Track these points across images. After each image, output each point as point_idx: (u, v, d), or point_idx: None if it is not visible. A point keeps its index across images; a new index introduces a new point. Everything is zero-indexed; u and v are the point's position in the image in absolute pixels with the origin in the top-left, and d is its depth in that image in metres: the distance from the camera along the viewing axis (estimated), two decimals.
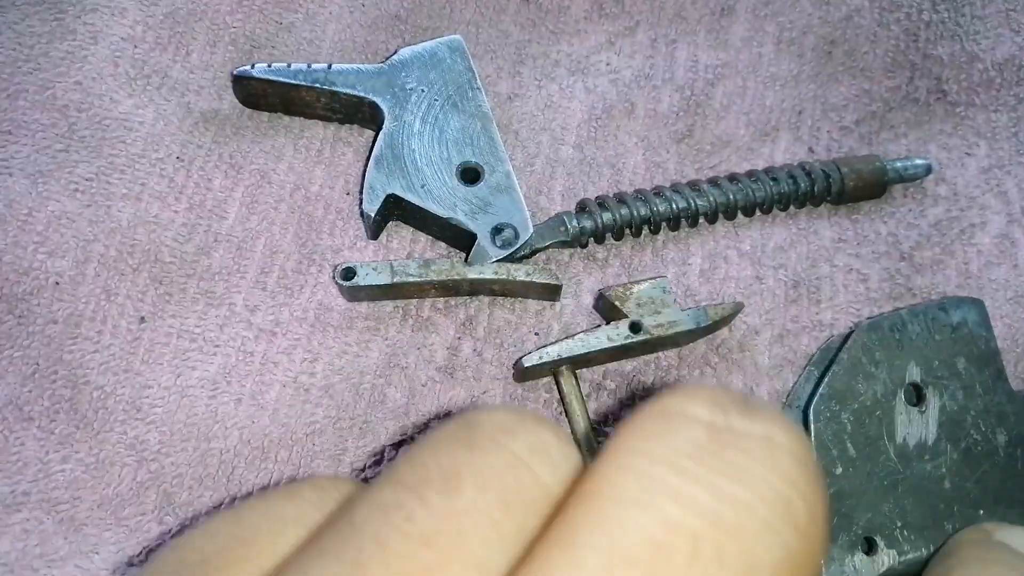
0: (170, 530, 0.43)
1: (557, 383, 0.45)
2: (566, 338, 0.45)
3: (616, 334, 0.44)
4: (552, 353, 0.44)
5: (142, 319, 0.46)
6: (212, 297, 0.47)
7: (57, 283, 0.46)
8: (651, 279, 0.46)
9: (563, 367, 0.45)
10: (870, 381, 0.41)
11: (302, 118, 0.52)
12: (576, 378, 0.45)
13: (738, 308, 0.45)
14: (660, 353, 0.47)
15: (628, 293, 0.45)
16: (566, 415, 0.45)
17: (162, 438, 0.44)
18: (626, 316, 0.45)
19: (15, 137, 0.50)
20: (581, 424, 0.43)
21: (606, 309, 0.46)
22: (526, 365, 0.44)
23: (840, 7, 0.57)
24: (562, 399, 0.45)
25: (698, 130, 0.54)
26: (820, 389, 0.41)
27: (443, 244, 0.49)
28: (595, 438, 0.43)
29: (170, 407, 0.45)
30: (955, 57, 0.56)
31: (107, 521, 0.43)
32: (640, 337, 0.44)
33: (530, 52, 0.56)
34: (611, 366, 0.47)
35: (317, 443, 0.44)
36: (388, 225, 0.50)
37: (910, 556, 0.39)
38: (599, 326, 0.45)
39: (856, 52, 0.56)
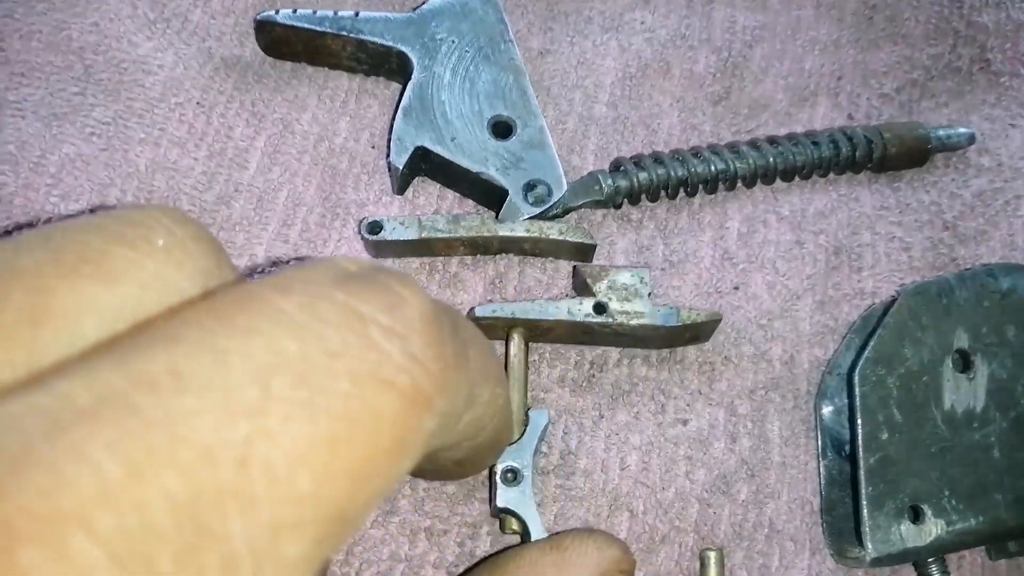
0: None
1: (506, 344, 0.44)
2: (528, 300, 0.44)
3: (578, 309, 0.43)
4: (507, 310, 0.43)
5: None
6: (232, 247, 0.46)
7: None
8: (632, 267, 0.45)
9: (517, 329, 0.44)
10: (917, 346, 0.41)
11: (326, 68, 0.51)
12: (526, 345, 0.44)
13: (715, 318, 0.44)
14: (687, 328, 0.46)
15: (604, 274, 0.44)
16: (505, 368, 0.44)
17: None
18: (594, 295, 0.44)
19: (28, 80, 0.49)
20: (516, 393, 0.43)
21: (578, 285, 0.46)
22: (477, 315, 0.43)
23: None
24: (505, 361, 0.44)
25: (735, 92, 0.53)
26: (866, 352, 0.40)
27: (471, 202, 0.49)
28: (525, 411, 0.42)
29: None
30: (1000, 25, 0.55)
31: None
32: (600, 319, 0.43)
33: (562, 8, 0.55)
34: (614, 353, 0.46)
35: None
36: (415, 180, 0.49)
37: (959, 526, 0.38)
38: (565, 298, 0.44)
39: (898, 18, 0.56)
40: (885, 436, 0.39)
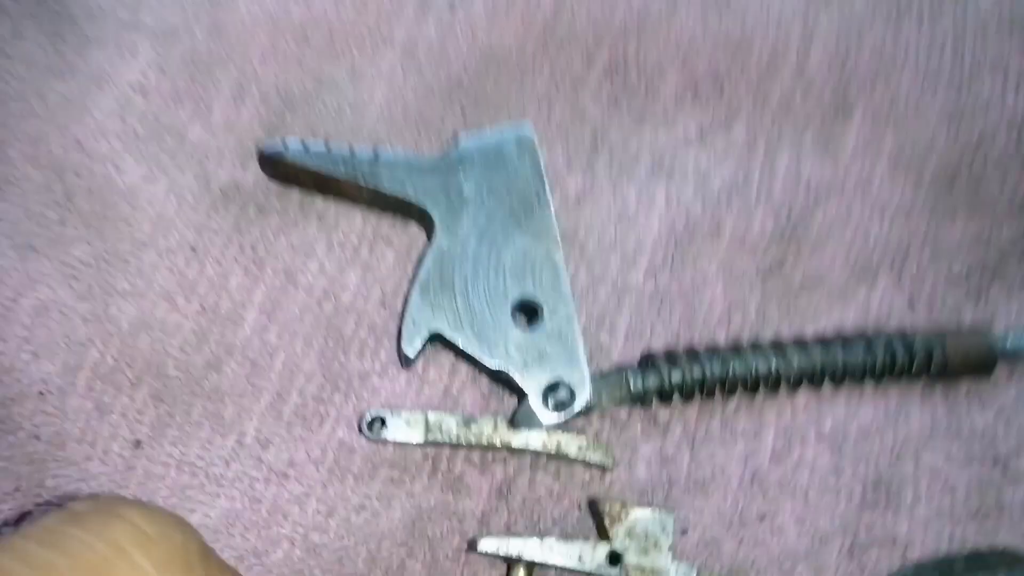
0: None
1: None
2: (537, 537, 0.41)
3: (590, 558, 0.40)
4: (512, 548, 0.40)
5: (138, 443, 0.42)
6: (220, 423, 0.43)
7: (41, 393, 0.42)
8: (657, 509, 0.41)
9: (520, 566, 0.41)
10: None
11: (338, 201, 0.46)
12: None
13: None
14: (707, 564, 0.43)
15: (624, 514, 0.41)
16: None
17: None
18: (609, 539, 0.40)
19: (4, 194, 0.44)
20: None
21: (595, 519, 0.42)
22: (480, 549, 0.40)
23: (972, 128, 0.51)
24: None
25: (789, 263, 0.48)
26: None
27: (486, 380, 0.45)
28: None
29: None
30: None
31: None
32: (613, 572, 0.40)
33: (608, 139, 0.49)
34: None
35: None
36: (426, 347, 0.45)
37: None
38: (577, 539, 0.41)
39: (981, 187, 0.50)
40: None
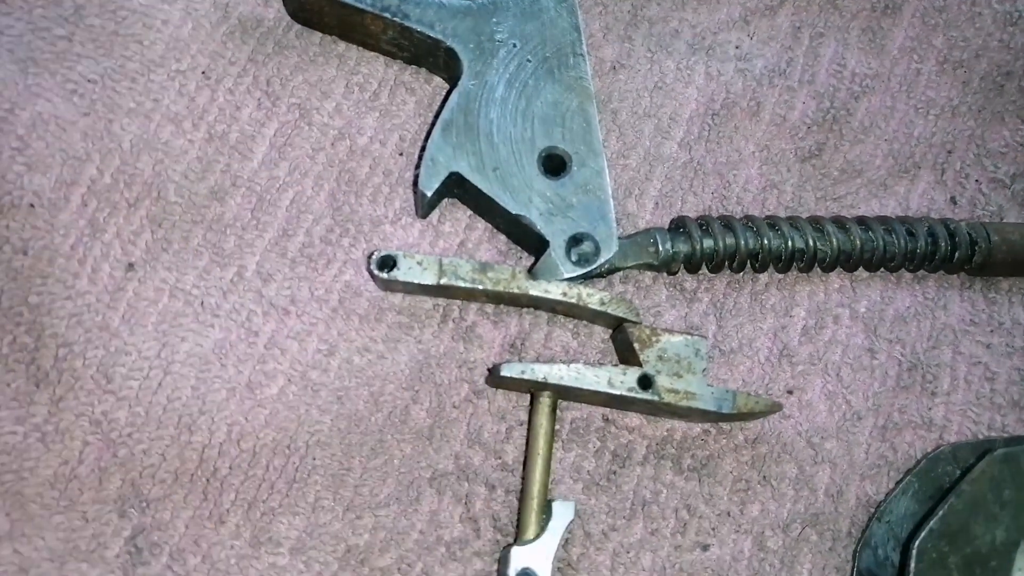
0: (133, 526, 0.38)
1: (531, 406, 0.40)
2: (562, 362, 0.39)
3: (620, 381, 0.38)
4: (537, 372, 0.38)
5: (130, 265, 0.40)
6: (219, 253, 0.41)
7: (32, 205, 0.40)
8: (689, 334, 0.40)
9: (544, 392, 0.39)
10: (991, 523, 0.36)
11: (361, 48, 0.45)
12: (554, 410, 0.39)
13: (774, 409, 0.40)
14: (730, 424, 0.41)
15: (654, 339, 0.39)
16: (526, 445, 0.40)
17: (135, 419, 0.39)
18: (641, 365, 0.39)
19: (8, 7, 0.43)
20: (537, 468, 0.38)
21: (622, 347, 0.41)
22: (502, 374, 0.38)
23: None
24: (529, 427, 0.40)
25: (829, 150, 0.47)
26: (931, 523, 0.36)
27: (503, 237, 0.43)
28: (546, 486, 0.38)
29: (149, 383, 0.39)
30: None
31: (59, 503, 0.38)
32: (646, 395, 0.38)
33: (647, 14, 0.48)
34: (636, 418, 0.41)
35: (319, 457, 0.39)
36: (443, 201, 0.43)
37: None
38: (605, 364, 0.39)
39: None
40: None
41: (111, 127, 0.42)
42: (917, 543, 0.36)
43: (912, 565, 0.35)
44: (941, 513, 0.36)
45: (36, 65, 0.42)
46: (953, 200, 0.47)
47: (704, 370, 0.39)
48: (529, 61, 0.43)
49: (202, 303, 0.40)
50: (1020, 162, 0.48)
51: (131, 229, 0.41)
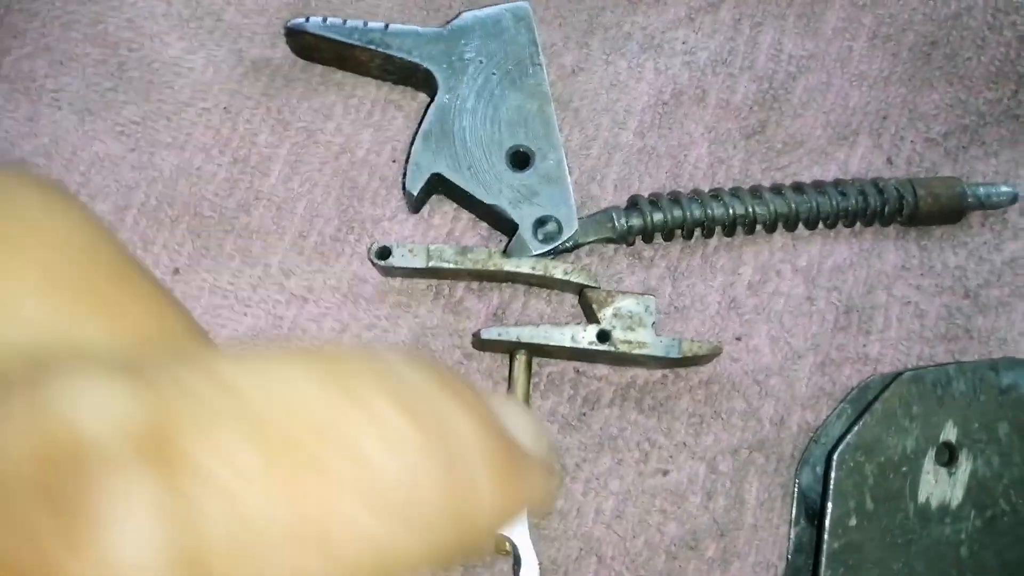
0: None
1: (510, 364, 0.47)
2: (533, 325, 0.47)
3: (581, 336, 0.46)
4: (511, 334, 0.46)
5: (176, 270, 0.50)
6: (248, 256, 0.50)
7: None
8: (639, 294, 0.47)
9: (520, 351, 0.47)
10: (901, 435, 0.42)
11: (355, 74, 0.53)
12: (529, 365, 0.47)
13: (716, 351, 0.46)
14: (685, 369, 0.48)
15: (610, 300, 0.47)
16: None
17: None
18: (600, 322, 0.46)
19: (67, 68, 0.53)
20: None
21: (585, 309, 0.48)
22: (483, 337, 0.46)
23: (949, 4, 0.56)
24: (508, 380, 0.47)
25: (771, 126, 0.54)
26: (848, 437, 0.42)
27: (485, 225, 0.51)
28: None
29: None
30: None
31: None
32: (603, 347, 0.46)
33: (602, 21, 0.56)
34: (606, 370, 0.49)
35: None
36: (431, 199, 0.52)
37: None
38: (570, 323, 0.47)
39: (958, 57, 0.55)
40: (853, 522, 0.41)
41: (153, 159, 0.51)
42: (836, 455, 0.42)
43: (833, 474, 0.42)
44: (857, 428, 0.42)
45: (90, 114, 0.52)
46: (890, 161, 0.53)
47: (653, 323, 0.46)
48: (494, 74, 0.51)
49: (236, 297, 0.49)
50: (950, 121, 0.54)
51: (175, 241, 0.50)
